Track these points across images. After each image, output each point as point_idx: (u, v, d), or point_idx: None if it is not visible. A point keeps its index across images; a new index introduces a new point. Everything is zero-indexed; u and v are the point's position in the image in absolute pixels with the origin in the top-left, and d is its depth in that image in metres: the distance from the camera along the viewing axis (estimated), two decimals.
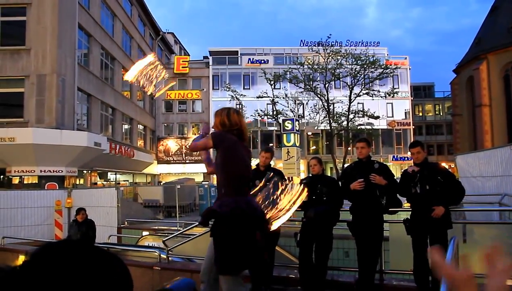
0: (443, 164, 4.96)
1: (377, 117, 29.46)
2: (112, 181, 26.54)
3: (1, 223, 11.30)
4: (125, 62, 27.16)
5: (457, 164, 12.74)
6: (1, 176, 17.91)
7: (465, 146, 38.97)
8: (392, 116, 38.56)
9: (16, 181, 17.21)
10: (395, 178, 4.75)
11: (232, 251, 2.95)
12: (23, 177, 17.19)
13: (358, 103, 31.20)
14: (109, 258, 0.73)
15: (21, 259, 8.14)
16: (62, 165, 17.18)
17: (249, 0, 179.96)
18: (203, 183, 24.00)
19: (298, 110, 33.06)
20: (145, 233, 11.32)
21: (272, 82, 29.82)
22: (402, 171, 4.89)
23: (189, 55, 46.40)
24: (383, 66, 28.57)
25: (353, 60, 28.19)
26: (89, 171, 22.05)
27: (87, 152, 17.73)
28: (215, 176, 3.36)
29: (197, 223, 3.20)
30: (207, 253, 3.36)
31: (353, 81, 28.53)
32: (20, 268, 0.68)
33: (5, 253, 8.70)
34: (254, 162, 4.98)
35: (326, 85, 28.39)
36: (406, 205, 4.85)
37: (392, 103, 37.98)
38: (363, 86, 28.71)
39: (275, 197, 3.25)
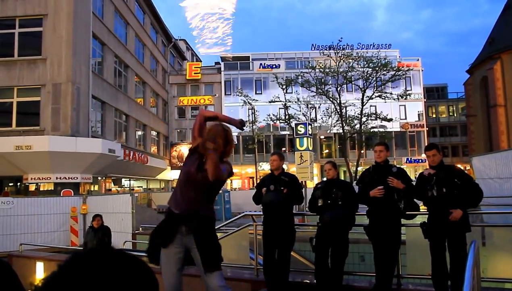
0: (459, 166, 4.88)
1: (390, 119, 29.21)
2: (126, 187, 26.79)
3: (18, 230, 11.50)
4: (138, 70, 27.51)
5: (473, 165, 12.54)
6: (18, 183, 18.24)
7: (480, 147, 38.32)
8: (405, 119, 38.21)
9: (32, 188, 17.51)
10: (412, 182, 4.69)
11: (219, 246, 3.20)
12: (39, 184, 17.49)
13: (371, 106, 31.00)
14: (142, 267, 0.76)
15: (38, 265, 8.25)
16: (77, 172, 17.42)
17: (259, 7, 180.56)
18: None
19: (310, 114, 32.98)
20: None
21: (284, 87, 29.84)
22: (418, 174, 4.83)
23: (201, 61, 46.75)
24: (395, 69, 28.35)
25: (365, 63, 28.04)
26: (104, 178, 22.30)
27: (101, 159, 17.95)
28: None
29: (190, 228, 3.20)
30: (168, 275, 3.15)
31: (365, 84, 28.37)
32: (54, 277, 0.71)
33: (23, 260, 8.82)
34: (267, 166, 5.00)
35: (338, 89, 28.29)
36: (423, 208, 4.78)
37: (405, 106, 37.65)
38: (375, 89, 28.52)
39: None
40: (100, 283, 0.69)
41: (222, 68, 38.81)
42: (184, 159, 3.33)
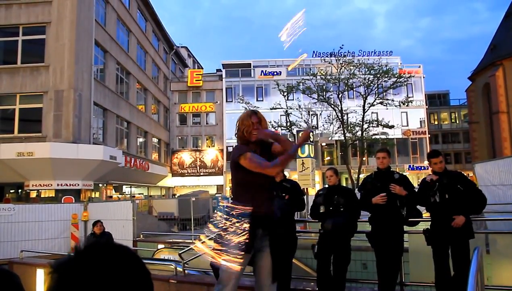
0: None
1: (392, 126, 29.14)
2: (127, 194, 26.74)
3: (19, 237, 11.45)
4: (140, 77, 27.60)
5: (476, 172, 12.48)
6: (19, 190, 18.23)
7: (483, 153, 38.20)
8: (407, 125, 38.14)
9: (33, 194, 17.48)
10: (414, 188, 4.66)
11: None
12: (40, 190, 17.46)
13: (372, 113, 30.96)
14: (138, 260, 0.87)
15: (39, 272, 8.20)
16: (78, 179, 17.41)
17: (259, 15, 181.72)
18: (216, 195, 23.98)
19: (312, 121, 32.96)
20: (160, 246, 11.31)
21: (285, 94, 29.85)
22: (420, 180, 4.80)
23: (202, 68, 46.91)
24: (396, 75, 28.35)
25: (366, 70, 28.05)
26: (105, 184, 22.27)
27: (103, 166, 17.93)
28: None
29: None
30: (234, 279, 2.97)
31: (366, 91, 28.35)
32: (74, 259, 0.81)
33: (23, 267, 8.77)
34: None
35: (340, 96, 28.26)
36: (426, 214, 4.74)
37: (406, 112, 37.61)
38: (376, 95, 28.50)
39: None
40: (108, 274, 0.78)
41: (224, 75, 38.91)
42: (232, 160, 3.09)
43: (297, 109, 30.01)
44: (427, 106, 40.47)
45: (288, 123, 29.74)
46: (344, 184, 30.04)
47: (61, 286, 0.78)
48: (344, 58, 28.42)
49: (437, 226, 4.33)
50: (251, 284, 3.19)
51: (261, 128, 3.09)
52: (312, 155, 15.90)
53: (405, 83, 29.63)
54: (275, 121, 30.25)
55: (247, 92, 36.85)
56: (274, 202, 4.08)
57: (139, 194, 29.36)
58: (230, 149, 30.12)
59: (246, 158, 2.94)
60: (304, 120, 30.24)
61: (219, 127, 37.37)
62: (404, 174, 5.25)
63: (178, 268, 6.07)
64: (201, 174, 36.58)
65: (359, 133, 28.42)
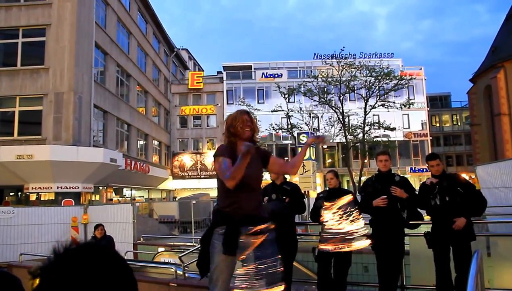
0: (463, 175, 4.83)
1: (393, 129, 29.06)
2: (127, 197, 26.69)
3: (18, 240, 11.41)
4: (140, 79, 27.60)
5: (477, 174, 12.38)
6: (19, 193, 18.19)
7: (485, 156, 38.09)
8: (409, 128, 38.09)
9: (33, 197, 17.45)
10: (415, 191, 4.62)
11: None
12: (40, 193, 17.42)
13: (374, 115, 30.86)
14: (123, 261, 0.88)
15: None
16: (78, 181, 17.37)
17: (260, 17, 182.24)
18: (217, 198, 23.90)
19: (313, 124, 32.93)
20: (160, 249, 11.26)
21: (286, 96, 29.82)
22: (421, 183, 4.77)
23: (203, 70, 46.92)
24: (398, 78, 28.29)
25: (368, 72, 28.01)
26: (105, 187, 22.23)
27: (103, 168, 17.89)
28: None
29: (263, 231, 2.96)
30: (224, 281, 2.92)
31: (368, 93, 28.29)
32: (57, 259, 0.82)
33: (23, 270, 8.72)
34: (268, 176, 4.95)
35: (341, 98, 28.20)
36: (426, 217, 4.71)
37: (408, 115, 37.58)
38: (378, 98, 28.44)
39: None
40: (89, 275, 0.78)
41: (224, 78, 38.90)
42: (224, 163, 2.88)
43: (298, 111, 29.96)
44: (428, 109, 40.44)
45: (289, 126, 29.70)
46: (345, 187, 29.95)
47: (43, 289, 0.79)
48: (345, 60, 28.41)
49: (438, 229, 4.30)
50: None
51: (253, 126, 3.04)
52: (313, 157, 15.84)
53: (407, 85, 29.58)
54: (276, 124, 30.21)
55: (248, 95, 36.85)
56: (264, 202, 3.96)
57: (140, 196, 29.31)
58: None
59: (217, 161, 2.91)
60: (305, 123, 30.19)
61: (220, 129, 37.29)
62: (406, 176, 5.21)
63: (178, 271, 6.01)
64: (202, 176, 36.53)
65: (360, 135, 28.37)
